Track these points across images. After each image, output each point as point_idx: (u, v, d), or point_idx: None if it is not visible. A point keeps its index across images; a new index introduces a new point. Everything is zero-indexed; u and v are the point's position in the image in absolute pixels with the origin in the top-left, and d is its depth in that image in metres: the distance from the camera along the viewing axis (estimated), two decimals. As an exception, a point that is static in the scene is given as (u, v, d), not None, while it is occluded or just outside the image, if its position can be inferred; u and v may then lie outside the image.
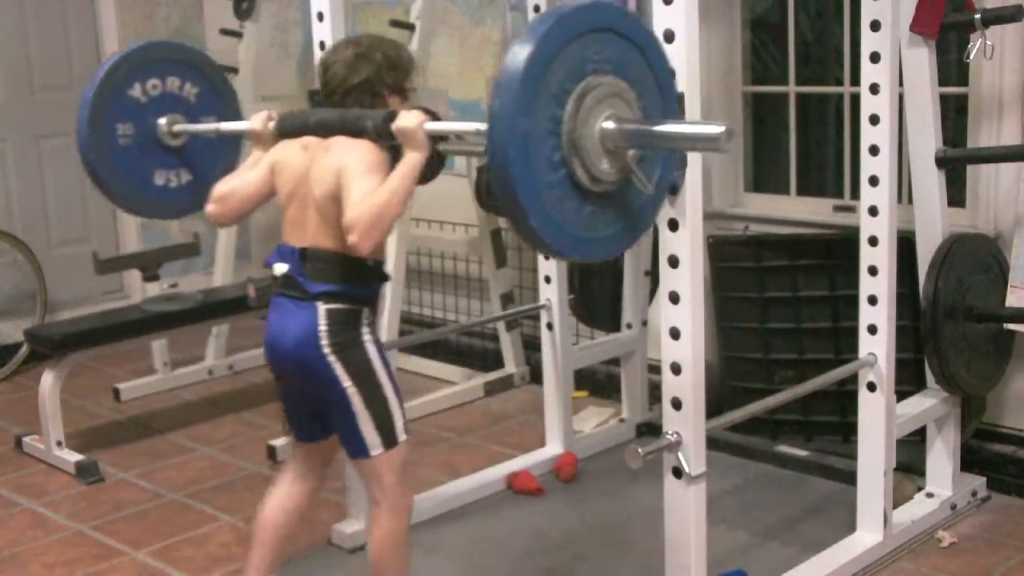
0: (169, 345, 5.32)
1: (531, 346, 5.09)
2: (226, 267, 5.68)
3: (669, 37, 2.49)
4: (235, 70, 5.66)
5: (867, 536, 3.40)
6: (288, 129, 2.87)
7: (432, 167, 2.90)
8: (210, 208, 2.91)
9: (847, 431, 4.08)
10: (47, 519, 4.02)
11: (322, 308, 2.69)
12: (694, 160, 2.54)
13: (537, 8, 3.94)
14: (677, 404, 2.68)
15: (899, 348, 3.36)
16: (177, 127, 3.51)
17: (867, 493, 3.39)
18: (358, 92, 2.77)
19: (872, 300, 3.29)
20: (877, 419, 3.33)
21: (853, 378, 3.41)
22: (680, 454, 2.68)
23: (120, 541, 3.81)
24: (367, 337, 2.75)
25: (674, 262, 2.60)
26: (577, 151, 2.35)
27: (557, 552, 3.59)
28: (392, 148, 2.70)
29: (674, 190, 2.56)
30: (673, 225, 2.58)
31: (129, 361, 5.57)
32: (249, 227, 6.59)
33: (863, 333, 3.33)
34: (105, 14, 6.30)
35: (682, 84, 2.49)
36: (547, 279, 4.11)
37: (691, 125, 2.45)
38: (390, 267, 4.82)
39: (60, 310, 5.88)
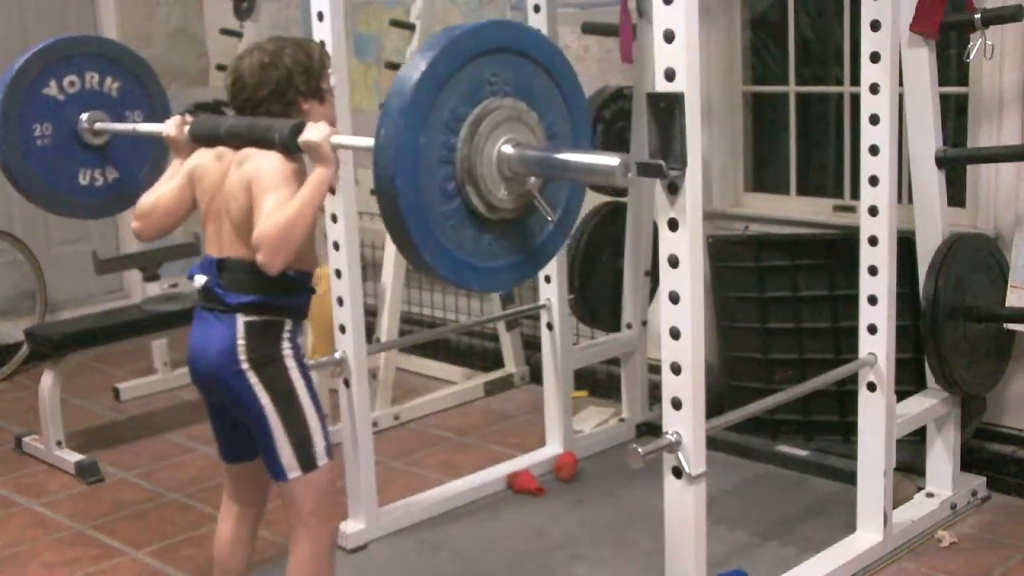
0: (169, 345, 5.32)
1: (531, 346, 5.09)
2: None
3: (669, 37, 2.48)
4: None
5: (867, 536, 3.40)
6: (201, 135, 2.78)
7: None
8: (134, 225, 2.83)
9: (847, 431, 4.08)
10: (47, 519, 4.02)
11: (241, 321, 2.62)
12: (694, 158, 2.54)
13: (537, 8, 3.94)
14: (677, 404, 2.67)
15: (899, 348, 3.36)
16: (98, 125, 3.38)
17: (867, 493, 3.39)
18: (268, 102, 2.67)
19: (872, 300, 3.29)
20: (877, 419, 3.33)
21: (853, 378, 3.40)
22: (680, 454, 2.67)
23: (120, 541, 3.81)
24: (288, 352, 2.68)
25: (674, 262, 2.59)
26: (472, 179, 2.31)
27: (557, 552, 3.59)
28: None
29: (673, 188, 2.56)
30: (673, 225, 2.58)
31: (129, 361, 5.57)
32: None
33: (863, 333, 3.33)
34: (105, 15, 6.31)
35: (682, 84, 2.49)
36: (547, 279, 4.11)
37: (587, 156, 2.41)
38: (390, 267, 4.84)
39: (60, 310, 5.89)
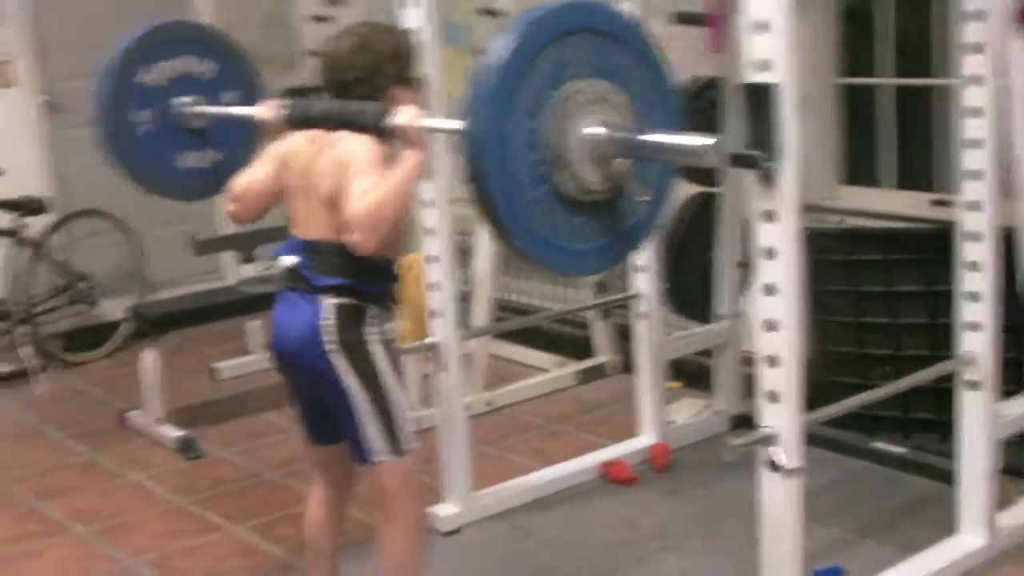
0: (264, 326, 5.41)
1: (623, 335, 5.09)
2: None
3: (764, 27, 2.46)
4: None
5: (969, 539, 3.32)
6: (295, 119, 2.81)
7: None
8: (229, 207, 2.87)
9: (945, 429, 4.01)
10: (150, 491, 4.15)
11: (327, 303, 2.63)
12: (790, 150, 2.52)
13: (637, -2, 3.92)
14: (774, 397, 2.66)
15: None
16: (196, 109, 3.41)
17: (969, 495, 3.31)
18: (357, 86, 2.69)
19: (974, 297, 3.23)
20: (979, 418, 3.25)
21: (950, 375, 3.35)
22: (776, 448, 2.66)
23: (219, 515, 3.91)
24: (373, 337, 2.68)
25: (771, 254, 2.58)
26: (561, 162, 2.30)
27: (649, 542, 3.60)
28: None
29: (768, 180, 2.51)
30: (769, 217, 2.56)
31: (225, 341, 5.68)
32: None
33: (963, 330, 3.27)
34: (200, 0, 6.40)
35: (777, 75, 2.47)
36: (640, 268, 4.11)
37: (676, 136, 2.38)
38: (484, 256, 4.87)
39: (158, 289, 6.02)
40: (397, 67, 2.73)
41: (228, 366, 5.42)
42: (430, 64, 3.35)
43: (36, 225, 5.57)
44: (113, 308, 5.86)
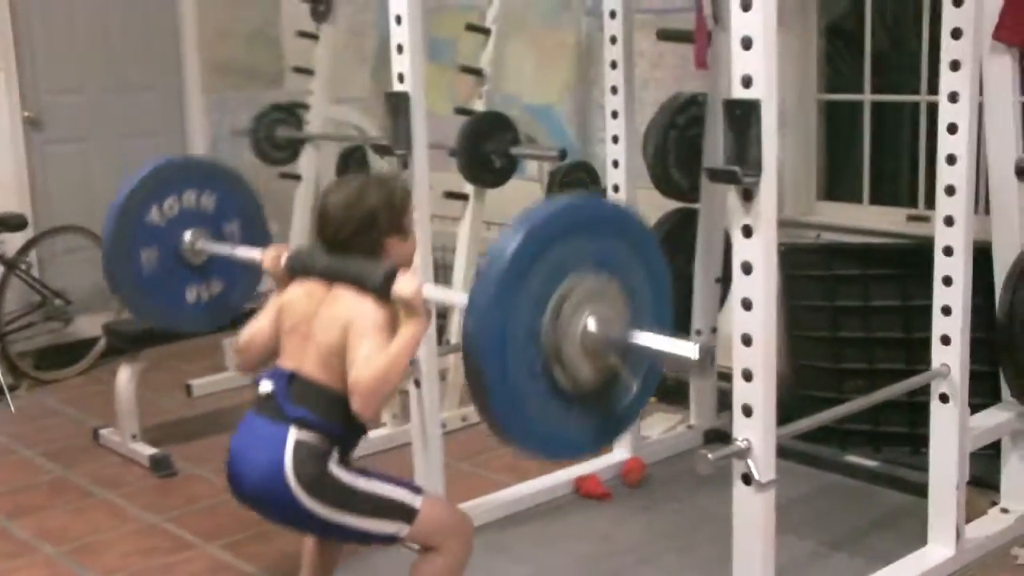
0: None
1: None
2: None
3: (747, 44, 2.49)
4: (311, 72, 5.74)
5: (938, 550, 3.35)
6: (297, 269, 2.83)
7: None
8: (236, 359, 2.89)
9: (917, 442, 4.04)
10: (122, 510, 4.11)
11: (292, 436, 2.58)
12: (769, 165, 2.54)
13: (613, 14, 3.95)
14: (748, 411, 2.67)
15: (973, 360, 3.32)
16: (199, 245, 3.46)
17: (939, 506, 3.35)
18: (352, 240, 2.71)
19: (946, 311, 3.26)
20: (950, 431, 3.29)
21: (924, 389, 3.37)
22: (750, 461, 2.67)
23: (192, 534, 3.88)
24: (335, 468, 2.63)
25: (747, 268, 2.60)
26: (558, 357, 2.36)
27: (623, 556, 3.60)
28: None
29: (748, 195, 2.56)
30: (747, 231, 2.58)
31: (201, 357, 5.64)
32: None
33: (936, 344, 3.29)
34: (186, 17, 6.42)
35: (759, 91, 2.49)
36: (617, 284, 4.11)
37: (666, 342, 2.43)
38: (461, 270, 4.87)
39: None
40: (391, 220, 2.74)
41: (203, 383, 5.39)
42: (414, 82, 3.34)
43: (12, 241, 5.55)
44: (89, 325, 5.83)
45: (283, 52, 6.76)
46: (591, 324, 2.38)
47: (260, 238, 3.58)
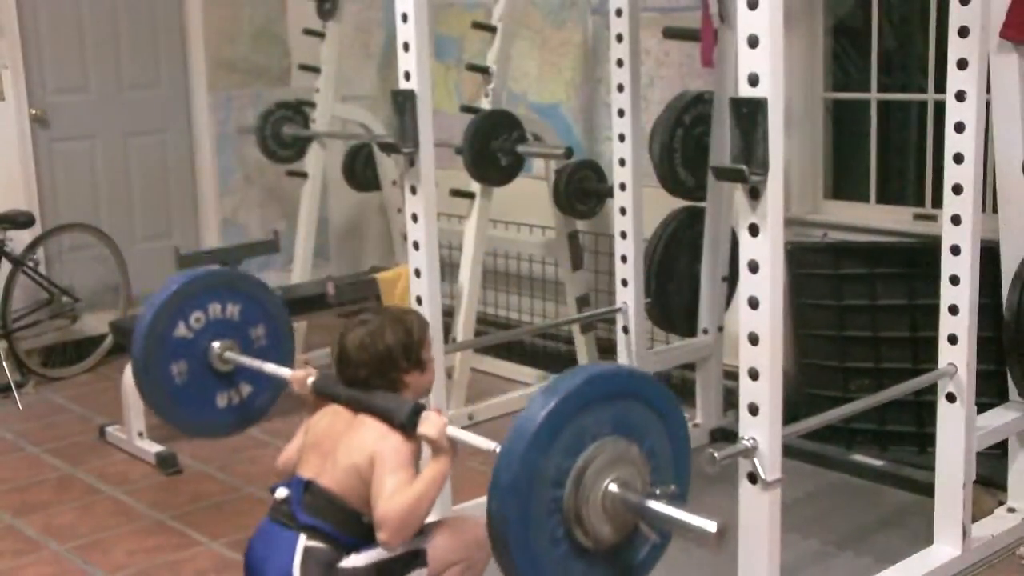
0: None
1: (606, 349, 5.09)
2: (304, 265, 5.77)
3: (753, 42, 2.48)
4: (317, 70, 5.74)
5: (944, 549, 3.35)
6: (323, 392, 2.88)
7: None
8: (275, 481, 2.89)
9: (924, 442, 4.03)
10: (129, 507, 4.12)
11: (301, 544, 2.63)
12: (776, 164, 2.53)
13: (619, 12, 3.94)
14: (754, 409, 2.67)
15: (981, 360, 3.32)
16: (228, 355, 3.50)
17: (945, 505, 3.35)
18: (371, 379, 2.75)
19: (953, 310, 3.25)
20: (956, 430, 3.28)
21: (930, 388, 3.37)
22: (756, 459, 2.67)
23: (198, 531, 3.89)
24: (345, 563, 2.66)
25: (754, 267, 2.59)
26: (579, 523, 2.38)
27: (629, 555, 3.59)
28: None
29: (755, 194, 2.56)
30: (754, 230, 2.58)
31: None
32: (328, 226, 6.68)
33: (943, 343, 3.29)
34: (192, 15, 6.42)
35: (766, 89, 2.49)
36: (624, 282, 4.12)
37: (686, 515, 2.43)
38: (467, 268, 4.87)
39: (142, 303, 5.98)
40: (408, 356, 2.78)
41: (210, 380, 5.39)
42: (420, 80, 3.34)
43: (20, 238, 5.56)
44: (96, 322, 5.84)
45: (289, 50, 6.77)
46: (611, 490, 2.40)
47: (285, 341, 3.63)
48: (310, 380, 2.93)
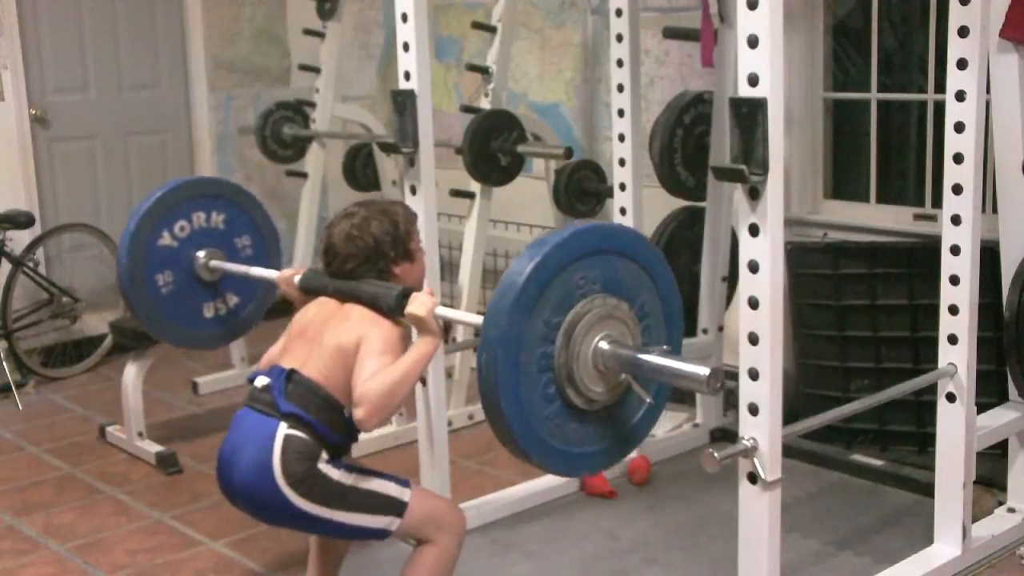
0: (246, 341, 5.38)
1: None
2: (304, 264, 5.77)
3: (753, 42, 2.48)
4: (317, 70, 5.74)
5: (945, 549, 3.35)
6: (310, 289, 2.88)
7: None
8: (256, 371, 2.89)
9: (924, 441, 4.04)
10: (129, 507, 4.12)
11: (282, 432, 2.57)
12: (776, 164, 2.53)
13: (619, 12, 3.94)
14: (754, 409, 2.67)
15: (981, 360, 3.31)
16: (213, 264, 3.49)
17: (945, 505, 3.34)
18: (360, 271, 2.74)
19: (953, 310, 3.25)
20: (956, 430, 3.28)
21: (930, 388, 3.36)
22: (756, 460, 2.67)
23: (198, 531, 3.89)
24: (324, 466, 2.62)
25: (754, 267, 2.59)
26: (571, 381, 2.40)
27: (629, 554, 3.59)
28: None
29: (754, 194, 2.56)
30: (754, 230, 2.58)
31: (207, 355, 5.64)
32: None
33: (943, 343, 3.29)
34: (192, 15, 6.43)
35: (765, 89, 2.48)
36: (623, 282, 4.11)
37: (677, 362, 2.47)
38: (467, 268, 4.87)
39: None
40: (396, 248, 2.77)
41: (209, 380, 5.39)
42: (420, 80, 3.35)
43: (20, 239, 5.56)
44: (96, 322, 5.84)
45: (289, 50, 6.77)
46: (602, 347, 2.42)
47: (271, 250, 3.62)
48: (297, 278, 2.91)
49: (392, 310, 2.65)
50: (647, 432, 2.68)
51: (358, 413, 2.53)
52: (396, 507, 2.68)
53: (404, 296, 2.65)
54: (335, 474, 2.63)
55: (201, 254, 3.49)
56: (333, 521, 2.63)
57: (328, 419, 2.63)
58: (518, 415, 2.34)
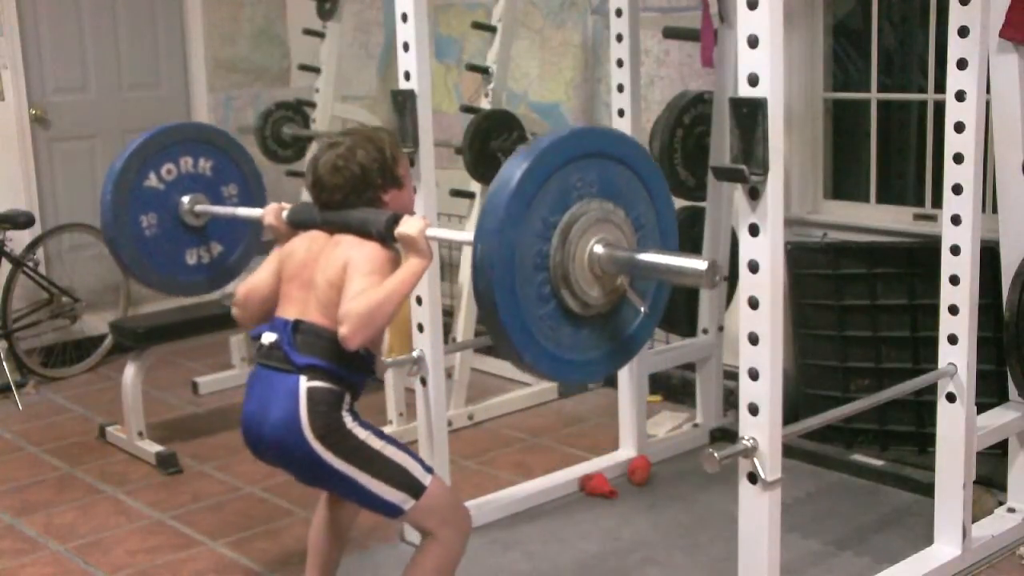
0: (247, 340, 5.39)
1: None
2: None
3: (753, 42, 2.48)
4: (317, 70, 5.74)
5: (945, 549, 3.35)
6: (298, 222, 2.86)
7: None
8: (234, 312, 2.88)
9: (924, 441, 4.03)
10: (129, 507, 4.11)
11: (304, 385, 2.59)
12: (776, 164, 2.53)
13: (619, 12, 3.94)
14: (754, 409, 2.66)
15: (981, 360, 3.31)
16: (199, 208, 3.49)
17: (945, 505, 3.34)
18: (348, 200, 2.72)
19: (953, 310, 3.25)
20: (956, 430, 3.28)
21: (930, 388, 3.36)
22: (756, 460, 2.67)
23: (198, 531, 3.88)
24: (348, 419, 2.64)
25: (754, 267, 2.59)
26: (566, 281, 2.41)
27: (629, 555, 3.59)
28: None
29: (754, 194, 2.56)
30: (754, 230, 2.57)
31: (208, 355, 5.66)
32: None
33: (943, 343, 3.29)
34: (191, 15, 6.43)
35: (765, 89, 2.48)
36: (623, 282, 4.11)
37: (675, 258, 2.49)
38: (466, 269, 4.87)
39: (142, 304, 6.00)
40: (384, 174, 2.75)
41: (209, 380, 5.40)
42: (420, 80, 3.35)
43: (20, 239, 5.56)
44: (96, 322, 5.84)
45: (289, 50, 6.77)
46: (598, 247, 2.42)
47: (258, 201, 3.62)
48: (285, 213, 2.90)
49: (383, 234, 2.63)
50: (642, 344, 2.66)
51: (342, 331, 2.51)
52: (415, 488, 2.68)
53: (394, 219, 2.64)
54: (362, 434, 2.64)
55: (186, 199, 3.49)
56: (354, 480, 2.63)
57: (343, 359, 2.63)
58: (512, 310, 2.31)
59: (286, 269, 2.77)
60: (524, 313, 2.35)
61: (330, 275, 2.63)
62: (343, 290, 2.57)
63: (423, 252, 2.62)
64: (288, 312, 2.70)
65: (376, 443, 2.66)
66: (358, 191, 2.72)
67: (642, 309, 2.56)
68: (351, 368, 2.66)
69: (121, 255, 3.50)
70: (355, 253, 2.63)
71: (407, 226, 2.62)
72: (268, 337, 2.68)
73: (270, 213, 2.97)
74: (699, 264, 2.40)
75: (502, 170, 2.36)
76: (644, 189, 2.57)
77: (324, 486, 2.80)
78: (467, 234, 2.58)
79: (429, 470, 2.73)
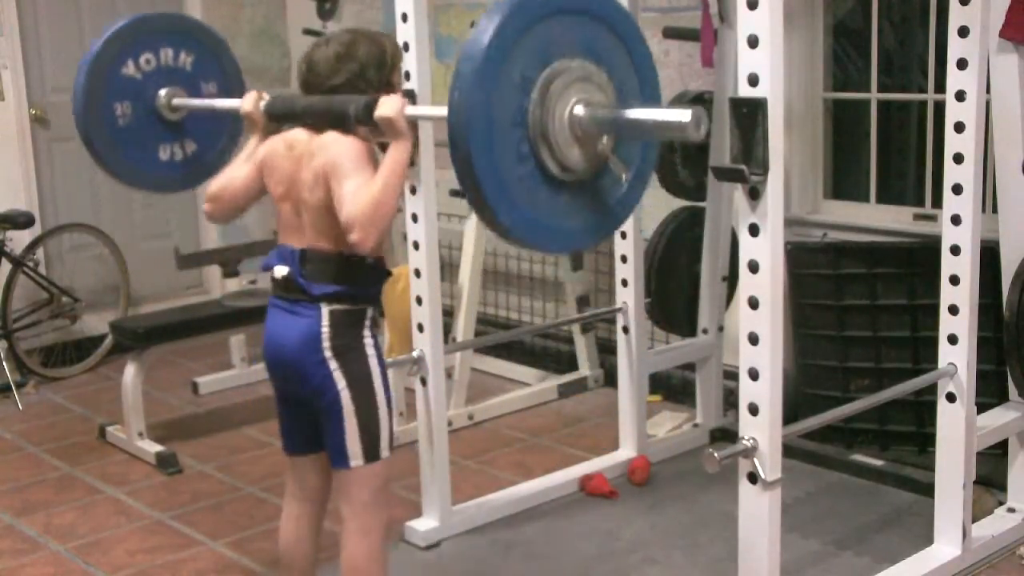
0: (247, 340, 5.39)
1: (606, 349, 5.09)
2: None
3: (753, 42, 2.48)
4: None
5: (945, 549, 3.35)
6: (278, 112, 2.81)
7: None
8: (206, 207, 2.87)
9: (924, 441, 4.03)
10: (129, 507, 4.11)
11: (325, 310, 2.65)
12: (776, 164, 2.53)
13: (619, 12, 3.93)
14: (754, 409, 2.67)
15: (981, 359, 3.31)
16: (176, 101, 3.41)
17: (945, 505, 3.34)
18: (341, 91, 2.69)
19: (953, 310, 3.25)
20: (956, 430, 3.28)
21: (931, 388, 3.36)
22: (756, 460, 2.67)
23: (198, 531, 3.88)
24: (368, 340, 2.71)
25: (754, 267, 2.59)
26: (545, 140, 2.34)
27: (629, 555, 3.59)
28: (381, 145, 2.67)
29: (754, 194, 2.56)
30: (753, 230, 2.57)
31: (208, 355, 5.65)
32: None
33: (943, 343, 3.29)
34: (192, 15, 6.41)
35: (765, 89, 2.48)
36: (624, 282, 4.11)
37: (658, 111, 2.44)
38: (467, 268, 4.87)
39: (142, 303, 6.01)
40: (380, 73, 2.73)
41: (209, 380, 5.39)
42: (421, 79, 3.35)
43: (20, 239, 5.55)
44: (96, 322, 5.83)
45: (289, 50, 6.77)
46: (578, 106, 2.36)
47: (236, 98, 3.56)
48: (263, 104, 2.86)
49: (360, 115, 2.61)
50: (625, 216, 2.62)
51: (353, 237, 2.51)
52: (373, 452, 2.71)
53: (372, 102, 2.61)
54: (372, 357, 2.70)
55: (163, 92, 3.43)
56: (340, 412, 2.66)
57: (356, 278, 2.67)
58: (487, 165, 2.25)
59: (273, 188, 2.76)
60: (501, 170, 2.27)
61: (319, 194, 2.62)
62: (336, 197, 2.55)
63: (403, 134, 2.59)
64: (292, 239, 2.72)
65: (378, 385, 2.70)
66: (351, 83, 2.68)
67: (624, 176, 2.49)
68: (367, 283, 2.71)
69: (93, 141, 3.41)
70: (334, 152, 2.59)
71: (385, 107, 2.59)
72: (280, 270, 2.71)
73: (248, 100, 2.91)
74: (682, 116, 2.31)
75: (484, 16, 2.28)
76: (626, 54, 2.51)
77: (318, 406, 2.73)
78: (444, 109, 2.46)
79: (391, 448, 2.75)
